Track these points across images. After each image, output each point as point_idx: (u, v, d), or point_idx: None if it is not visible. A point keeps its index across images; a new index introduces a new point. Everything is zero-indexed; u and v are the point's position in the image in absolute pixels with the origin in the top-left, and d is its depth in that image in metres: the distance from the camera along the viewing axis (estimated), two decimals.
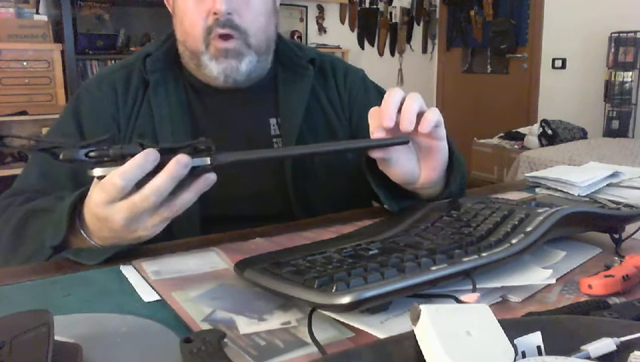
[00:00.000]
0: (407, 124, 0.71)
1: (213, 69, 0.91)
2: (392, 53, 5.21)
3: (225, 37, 0.89)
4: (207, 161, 0.63)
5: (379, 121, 0.73)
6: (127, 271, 0.66)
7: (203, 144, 0.63)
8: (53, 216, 0.70)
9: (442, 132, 0.75)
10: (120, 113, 0.93)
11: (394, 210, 0.82)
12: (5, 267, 0.73)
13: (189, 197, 0.62)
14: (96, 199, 0.62)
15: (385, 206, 0.84)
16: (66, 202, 0.68)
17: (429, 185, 0.80)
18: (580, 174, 1.05)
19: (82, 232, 0.68)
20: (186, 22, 0.91)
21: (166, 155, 0.61)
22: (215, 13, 0.87)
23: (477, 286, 0.55)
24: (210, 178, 0.63)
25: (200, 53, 0.91)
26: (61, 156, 0.59)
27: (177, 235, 0.87)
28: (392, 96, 0.72)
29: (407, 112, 0.71)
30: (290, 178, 0.94)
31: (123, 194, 0.60)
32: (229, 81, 0.92)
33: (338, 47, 4.62)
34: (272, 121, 0.98)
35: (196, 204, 0.80)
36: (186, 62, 0.96)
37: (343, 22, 4.89)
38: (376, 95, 1.07)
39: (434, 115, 0.73)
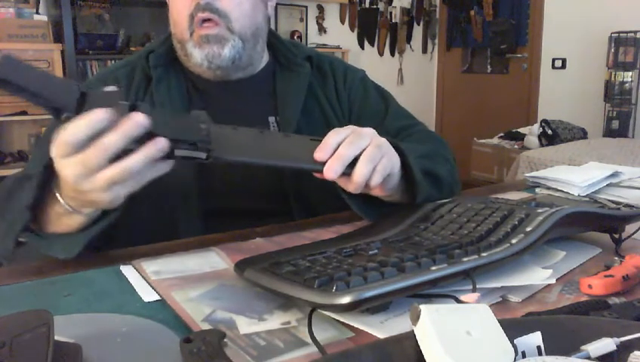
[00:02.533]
0: (330, 174, 0.68)
1: (197, 56, 0.91)
2: (392, 53, 5.21)
3: (206, 23, 0.90)
4: (203, 155, 0.63)
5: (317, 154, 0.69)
6: (127, 271, 0.66)
7: (202, 138, 0.62)
8: (32, 178, 0.68)
9: (376, 183, 0.71)
10: None
11: (371, 219, 0.81)
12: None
13: (137, 158, 0.59)
14: (52, 152, 0.60)
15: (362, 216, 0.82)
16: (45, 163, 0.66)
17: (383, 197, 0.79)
18: (580, 174, 1.05)
19: (56, 192, 0.66)
20: (174, 11, 0.94)
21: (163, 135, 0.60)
22: None
23: (477, 286, 0.55)
24: (160, 142, 0.60)
25: (185, 41, 0.92)
26: (62, 118, 0.58)
27: (180, 228, 0.87)
28: (332, 138, 0.69)
29: (337, 160, 0.68)
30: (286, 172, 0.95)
31: (72, 150, 0.58)
32: (213, 67, 0.92)
33: (338, 47, 4.61)
34: (271, 119, 0.99)
35: (195, 197, 0.81)
36: (179, 56, 0.97)
37: (343, 22, 4.89)
38: (376, 95, 1.07)
39: (360, 177, 0.69)
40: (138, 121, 0.58)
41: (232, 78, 0.98)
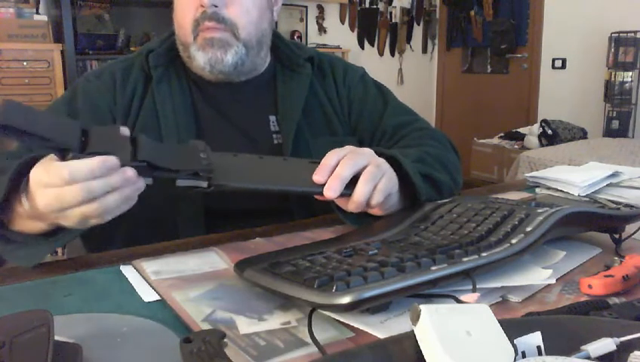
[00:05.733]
0: (330, 193, 0.68)
1: (200, 60, 0.92)
2: (392, 53, 5.21)
3: (212, 29, 0.90)
4: (205, 184, 0.64)
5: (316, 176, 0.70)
6: (127, 271, 0.66)
7: (203, 167, 0.63)
8: (6, 172, 0.66)
9: (377, 202, 0.72)
10: (117, 103, 0.93)
11: (358, 225, 0.80)
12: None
13: (113, 198, 0.59)
14: (36, 176, 0.60)
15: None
16: (18, 161, 0.65)
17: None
18: (580, 174, 1.05)
19: (23, 196, 0.64)
20: (179, 13, 0.93)
21: (160, 171, 0.61)
22: (202, 5, 0.89)
23: (477, 286, 0.55)
24: (139, 185, 0.60)
25: (189, 44, 0.92)
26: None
27: (180, 227, 0.87)
28: (330, 159, 0.70)
29: (336, 179, 0.69)
30: None
31: (63, 185, 0.57)
32: (215, 71, 0.92)
33: (338, 47, 4.61)
34: (272, 118, 0.99)
35: (197, 196, 0.79)
36: (182, 56, 0.97)
37: (343, 22, 4.89)
38: (376, 92, 1.07)
39: (361, 196, 0.69)
40: (128, 177, 0.58)
41: (234, 81, 0.98)
